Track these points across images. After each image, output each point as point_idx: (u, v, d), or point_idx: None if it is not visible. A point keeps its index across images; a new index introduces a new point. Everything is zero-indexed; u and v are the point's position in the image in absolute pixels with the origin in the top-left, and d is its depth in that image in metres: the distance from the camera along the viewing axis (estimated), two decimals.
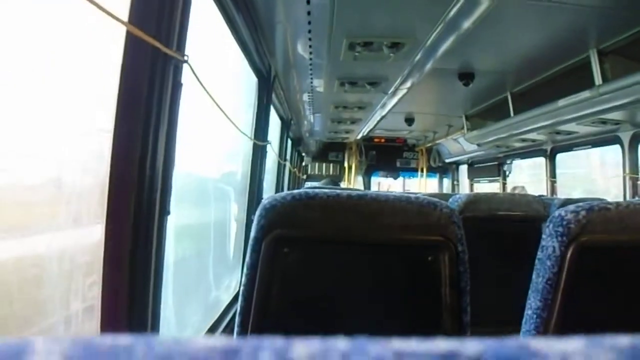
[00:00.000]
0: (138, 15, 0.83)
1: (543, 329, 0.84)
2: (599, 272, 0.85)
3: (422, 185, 6.84)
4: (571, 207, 0.86)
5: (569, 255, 0.84)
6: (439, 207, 0.85)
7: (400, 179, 7.33)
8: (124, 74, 0.83)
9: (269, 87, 2.52)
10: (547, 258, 0.86)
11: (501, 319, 1.22)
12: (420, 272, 0.86)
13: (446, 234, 0.84)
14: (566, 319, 0.84)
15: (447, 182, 7.02)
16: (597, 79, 2.26)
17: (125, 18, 0.81)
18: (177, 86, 0.93)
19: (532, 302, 0.86)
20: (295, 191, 0.87)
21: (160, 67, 0.87)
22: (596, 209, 0.84)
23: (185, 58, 0.95)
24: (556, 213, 0.87)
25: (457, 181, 6.63)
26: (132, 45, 0.83)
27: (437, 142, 5.85)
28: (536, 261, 0.89)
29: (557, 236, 0.85)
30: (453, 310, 0.85)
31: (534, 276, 0.90)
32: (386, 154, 6.93)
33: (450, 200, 1.63)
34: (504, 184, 5.02)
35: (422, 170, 6.83)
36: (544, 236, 0.88)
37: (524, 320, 0.88)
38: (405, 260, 0.86)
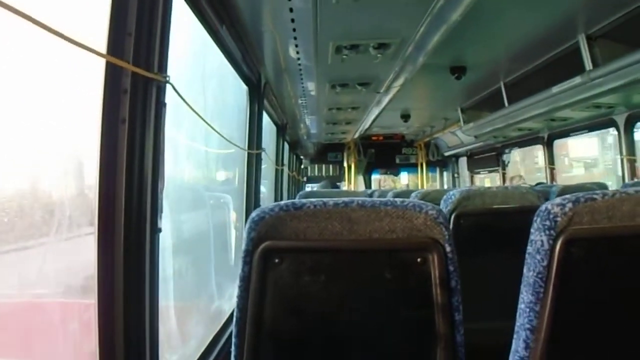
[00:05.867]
0: (116, 45, 0.84)
1: (537, 322, 0.85)
2: (589, 263, 0.86)
3: (421, 180, 6.82)
4: (557, 199, 0.86)
5: (557, 248, 0.85)
6: (425, 209, 0.86)
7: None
8: (105, 101, 0.84)
9: (259, 95, 2.53)
10: (537, 252, 0.87)
11: (498, 313, 1.22)
12: (411, 274, 0.86)
13: (433, 235, 0.85)
14: (559, 311, 0.84)
15: (447, 175, 7.00)
16: (588, 64, 2.26)
17: (104, 49, 0.82)
18: (160, 106, 0.94)
19: (525, 296, 0.87)
20: (283, 202, 0.88)
21: (142, 90, 0.88)
22: (582, 200, 0.85)
23: (167, 78, 0.96)
24: (543, 207, 0.87)
25: (458, 174, 6.61)
26: (112, 73, 0.85)
27: (435, 136, 5.84)
28: (526, 255, 0.90)
29: (545, 230, 0.85)
30: (445, 310, 0.86)
31: (525, 270, 0.90)
32: (385, 151, 6.92)
33: (445, 197, 1.63)
34: (504, 174, 5.01)
35: (421, 166, 6.82)
36: (532, 230, 0.88)
37: (517, 314, 0.88)
38: (394, 264, 0.87)
